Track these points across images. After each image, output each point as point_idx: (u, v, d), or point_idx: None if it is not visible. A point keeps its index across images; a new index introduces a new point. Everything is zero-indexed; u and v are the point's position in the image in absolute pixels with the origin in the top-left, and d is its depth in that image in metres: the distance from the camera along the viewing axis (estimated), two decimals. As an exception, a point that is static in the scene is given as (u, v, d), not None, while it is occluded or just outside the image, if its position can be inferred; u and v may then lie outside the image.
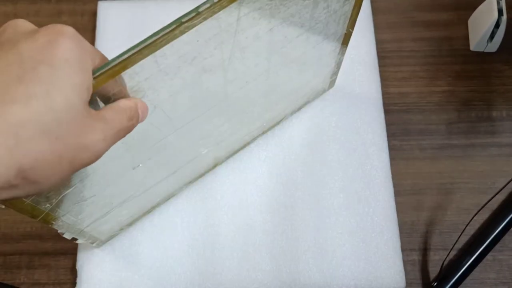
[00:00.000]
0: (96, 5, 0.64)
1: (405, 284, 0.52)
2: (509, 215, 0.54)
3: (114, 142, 0.30)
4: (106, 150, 0.29)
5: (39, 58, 0.27)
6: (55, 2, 0.66)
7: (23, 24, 0.29)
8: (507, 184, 0.52)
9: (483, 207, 0.51)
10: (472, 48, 0.62)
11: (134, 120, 0.32)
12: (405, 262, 0.53)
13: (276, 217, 0.54)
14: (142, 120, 0.33)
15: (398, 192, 0.56)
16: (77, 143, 0.27)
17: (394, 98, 0.60)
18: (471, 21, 0.63)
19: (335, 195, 0.55)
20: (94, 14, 0.64)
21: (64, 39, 0.28)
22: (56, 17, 0.65)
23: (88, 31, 0.64)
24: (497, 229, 0.54)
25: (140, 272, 0.52)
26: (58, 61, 0.27)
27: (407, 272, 0.53)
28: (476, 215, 0.52)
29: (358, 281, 0.52)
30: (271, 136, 0.57)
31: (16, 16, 0.65)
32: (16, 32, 0.28)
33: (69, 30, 0.28)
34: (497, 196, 0.51)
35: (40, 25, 0.29)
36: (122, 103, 0.32)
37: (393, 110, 0.60)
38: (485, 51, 0.62)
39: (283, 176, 0.56)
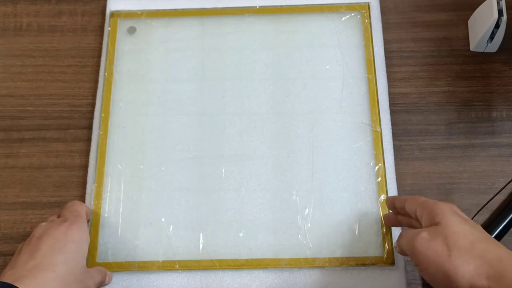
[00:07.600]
0: (96, 5, 0.65)
1: (405, 284, 0.52)
2: (509, 215, 0.54)
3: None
4: None
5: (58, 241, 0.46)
6: (55, 2, 0.66)
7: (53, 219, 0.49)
8: (507, 184, 0.52)
9: (483, 207, 0.51)
10: (472, 48, 0.62)
11: (106, 278, 0.51)
12: (406, 262, 0.54)
13: (278, 216, 0.54)
14: (109, 282, 0.52)
15: (398, 192, 0.56)
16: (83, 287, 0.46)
17: (394, 98, 0.60)
18: (471, 21, 0.63)
19: (338, 194, 0.55)
20: (94, 14, 0.65)
21: (74, 227, 0.47)
22: (56, 17, 0.65)
23: (88, 31, 0.64)
24: (497, 229, 0.54)
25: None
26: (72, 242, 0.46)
27: (407, 272, 0.53)
28: (476, 215, 0.52)
29: (358, 281, 0.52)
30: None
31: (16, 16, 0.65)
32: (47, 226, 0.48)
33: (78, 219, 0.49)
34: (497, 196, 0.51)
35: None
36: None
37: (393, 110, 0.59)
38: (485, 51, 0.62)
39: (286, 173, 0.56)
